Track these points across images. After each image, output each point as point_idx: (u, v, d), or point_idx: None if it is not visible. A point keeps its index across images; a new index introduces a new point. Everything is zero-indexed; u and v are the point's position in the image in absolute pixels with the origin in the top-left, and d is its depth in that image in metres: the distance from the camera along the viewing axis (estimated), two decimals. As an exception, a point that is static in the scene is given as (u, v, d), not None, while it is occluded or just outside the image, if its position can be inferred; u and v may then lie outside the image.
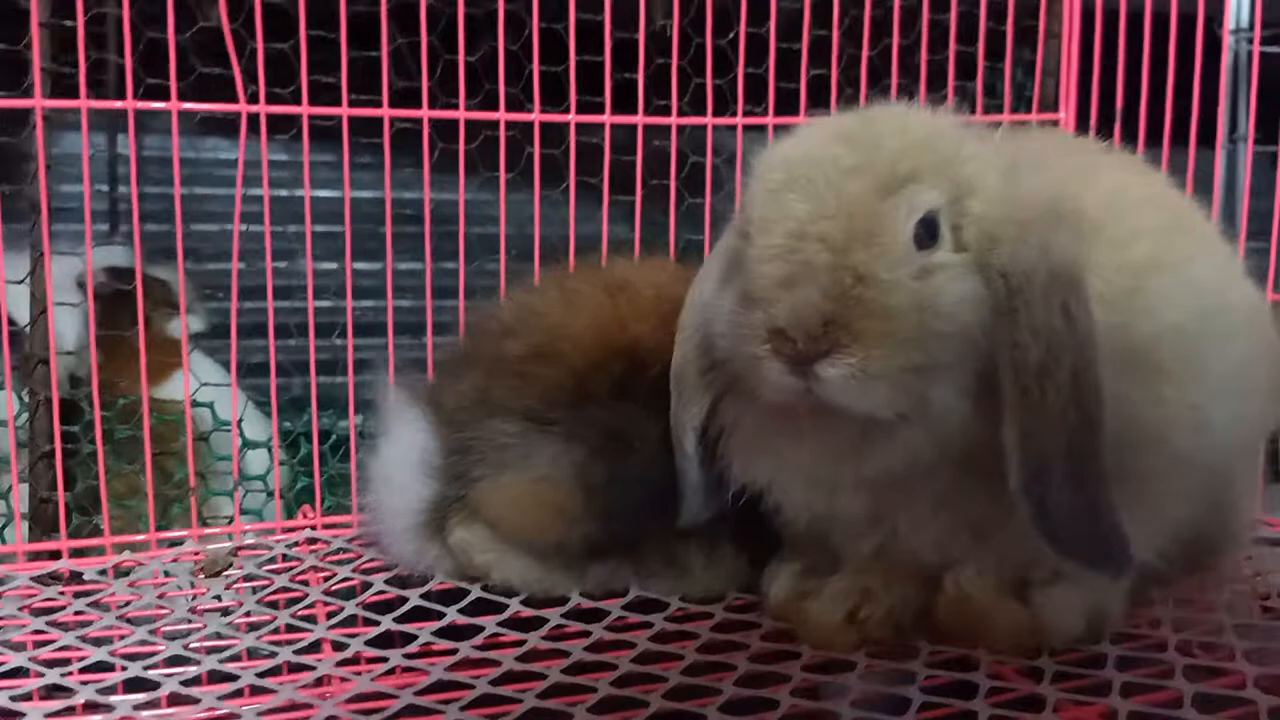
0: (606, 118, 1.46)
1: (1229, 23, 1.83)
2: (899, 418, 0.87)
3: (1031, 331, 0.84)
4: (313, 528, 1.42)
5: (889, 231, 0.86)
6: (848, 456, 0.92)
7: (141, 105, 1.33)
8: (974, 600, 0.96)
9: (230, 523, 1.45)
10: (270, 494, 1.53)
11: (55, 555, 1.32)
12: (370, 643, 1.03)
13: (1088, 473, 0.85)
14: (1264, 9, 1.54)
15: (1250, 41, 2.09)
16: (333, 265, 1.47)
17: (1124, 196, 1.04)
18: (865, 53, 1.56)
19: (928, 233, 0.87)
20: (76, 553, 1.33)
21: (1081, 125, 1.65)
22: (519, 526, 1.11)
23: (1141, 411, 0.94)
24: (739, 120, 1.53)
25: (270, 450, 1.53)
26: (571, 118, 1.46)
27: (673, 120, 1.51)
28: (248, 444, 1.52)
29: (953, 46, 1.62)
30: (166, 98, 1.32)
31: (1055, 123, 1.67)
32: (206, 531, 1.41)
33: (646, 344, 1.13)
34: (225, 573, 1.26)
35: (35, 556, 1.33)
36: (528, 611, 1.10)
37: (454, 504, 1.13)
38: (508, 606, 1.11)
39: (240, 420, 1.49)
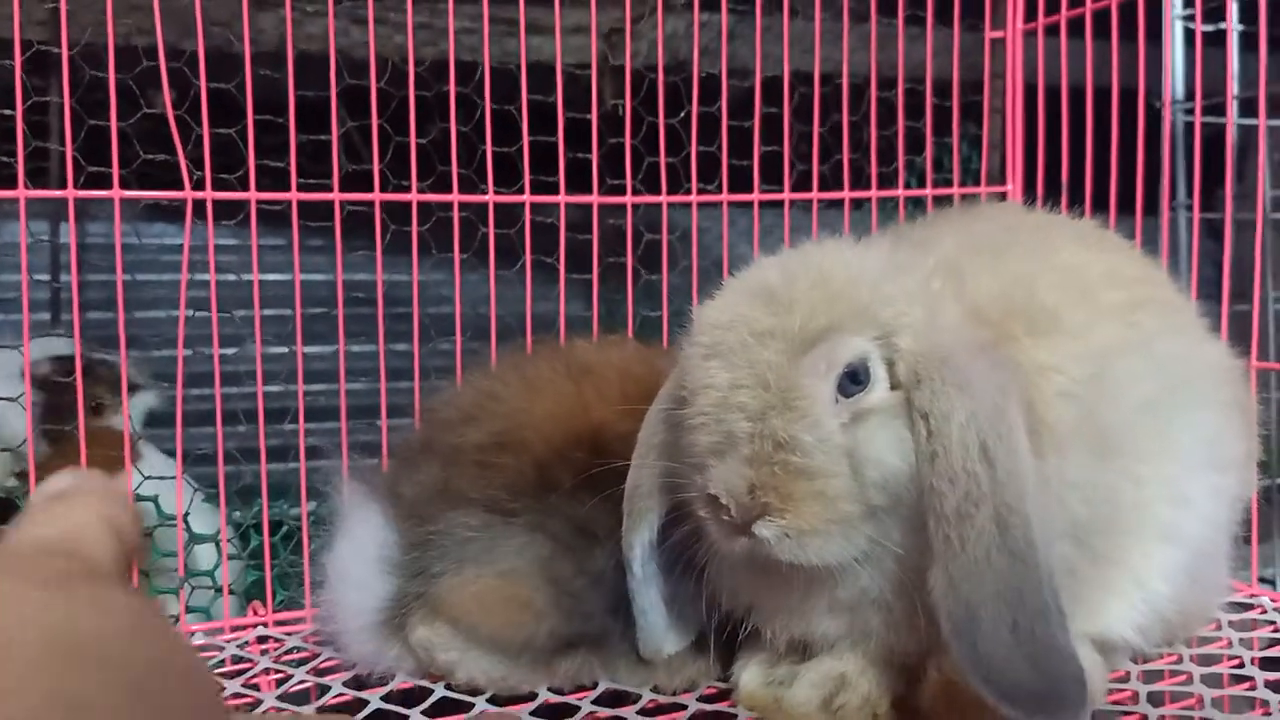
0: (561, 198, 1.46)
1: (1168, 95, 1.88)
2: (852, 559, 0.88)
3: (949, 477, 0.83)
4: (264, 625, 1.37)
5: (805, 393, 0.87)
6: (820, 585, 0.93)
7: (82, 194, 1.29)
8: (959, 685, 0.94)
9: (176, 622, 1.39)
10: (218, 590, 1.48)
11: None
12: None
13: (1024, 614, 0.82)
14: (1202, 81, 1.58)
15: (1186, 112, 2.15)
16: (283, 350, 1.44)
17: (1083, 276, 1.04)
18: (816, 129, 1.58)
19: (853, 380, 0.88)
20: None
21: (1028, 197, 1.67)
22: (483, 623, 1.07)
23: (1119, 494, 0.94)
24: (694, 198, 1.53)
25: (218, 544, 1.48)
26: (526, 198, 1.45)
27: (628, 199, 1.50)
28: (195, 538, 1.47)
29: (901, 122, 1.65)
30: (109, 185, 1.29)
31: (1003, 195, 1.70)
32: (151, 632, 1.35)
33: (610, 431, 1.10)
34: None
35: (-31, 664, 1.26)
36: (494, 710, 1.06)
37: (414, 601, 1.09)
38: (473, 705, 1.06)
39: (186, 514, 1.44)
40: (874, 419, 0.88)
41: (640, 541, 1.04)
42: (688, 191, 1.53)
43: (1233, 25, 1.62)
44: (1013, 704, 0.81)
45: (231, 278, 1.46)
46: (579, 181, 1.48)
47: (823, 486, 0.86)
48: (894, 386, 0.89)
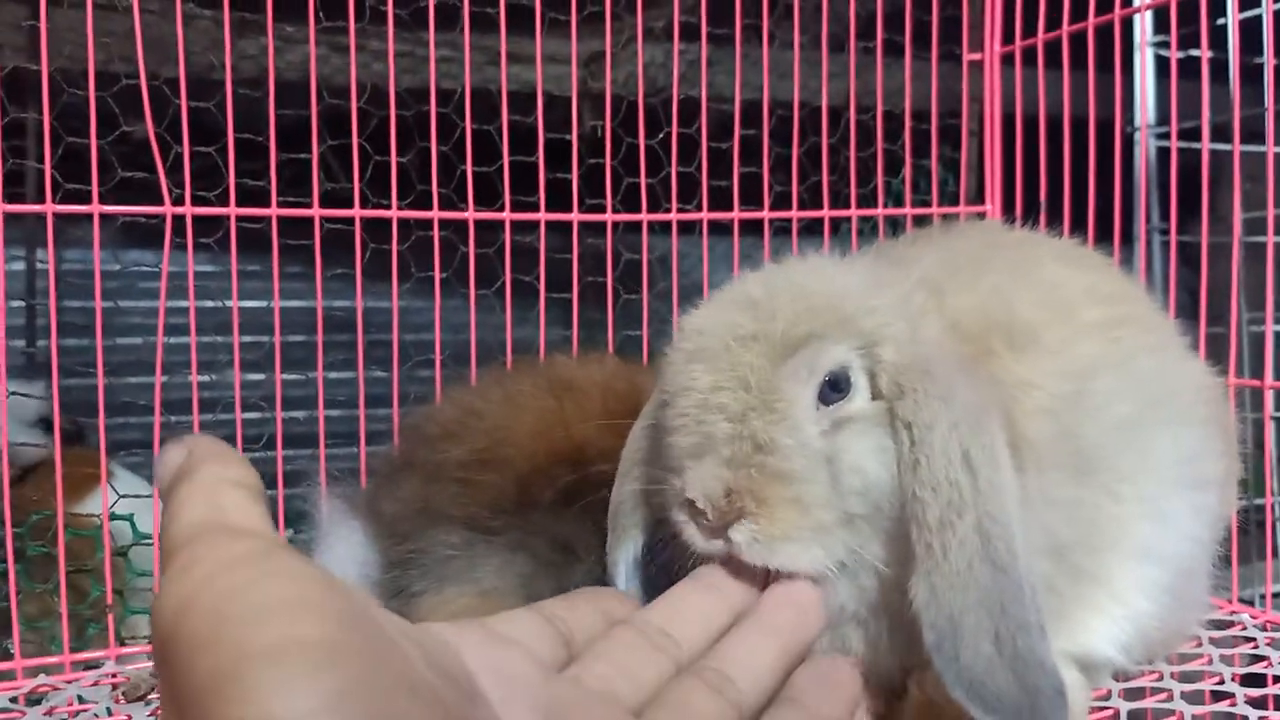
0: (541, 215, 1.46)
1: (1144, 120, 1.90)
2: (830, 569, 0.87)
3: (931, 486, 0.82)
4: (240, 645, 1.34)
5: (786, 396, 0.86)
6: None
7: (61, 209, 1.28)
8: (939, 704, 0.93)
9: (150, 641, 1.36)
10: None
11: (-38, 681, 1.24)
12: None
13: (1005, 626, 0.81)
14: (1174, 107, 1.60)
15: (1159, 137, 2.18)
16: (260, 376, 1.43)
17: (1063, 293, 1.04)
18: (795, 151, 1.59)
19: (833, 388, 0.87)
20: (-14, 677, 1.25)
21: (1007, 218, 1.68)
22: (464, 643, 1.06)
23: (1099, 511, 0.94)
24: (673, 216, 1.54)
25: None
26: (506, 215, 1.45)
27: (608, 217, 1.51)
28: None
29: (880, 145, 1.66)
30: (88, 203, 1.29)
31: (982, 215, 1.71)
32: (125, 651, 1.33)
33: (592, 448, 1.09)
34: (148, 696, 1.19)
35: (-58, 685, 1.24)
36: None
37: (394, 620, 1.08)
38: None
39: (162, 533, 1.41)
40: (854, 427, 0.87)
41: (624, 558, 1.03)
42: (667, 211, 1.54)
43: (1206, 52, 1.64)
44: (995, 715, 0.80)
45: (210, 304, 1.46)
46: (559, 204, 1.49)
47: (799, 492, 0.85)
48: (875, 398, 0.89)
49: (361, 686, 0.43)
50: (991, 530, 0.81)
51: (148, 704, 1.17)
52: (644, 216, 1.53)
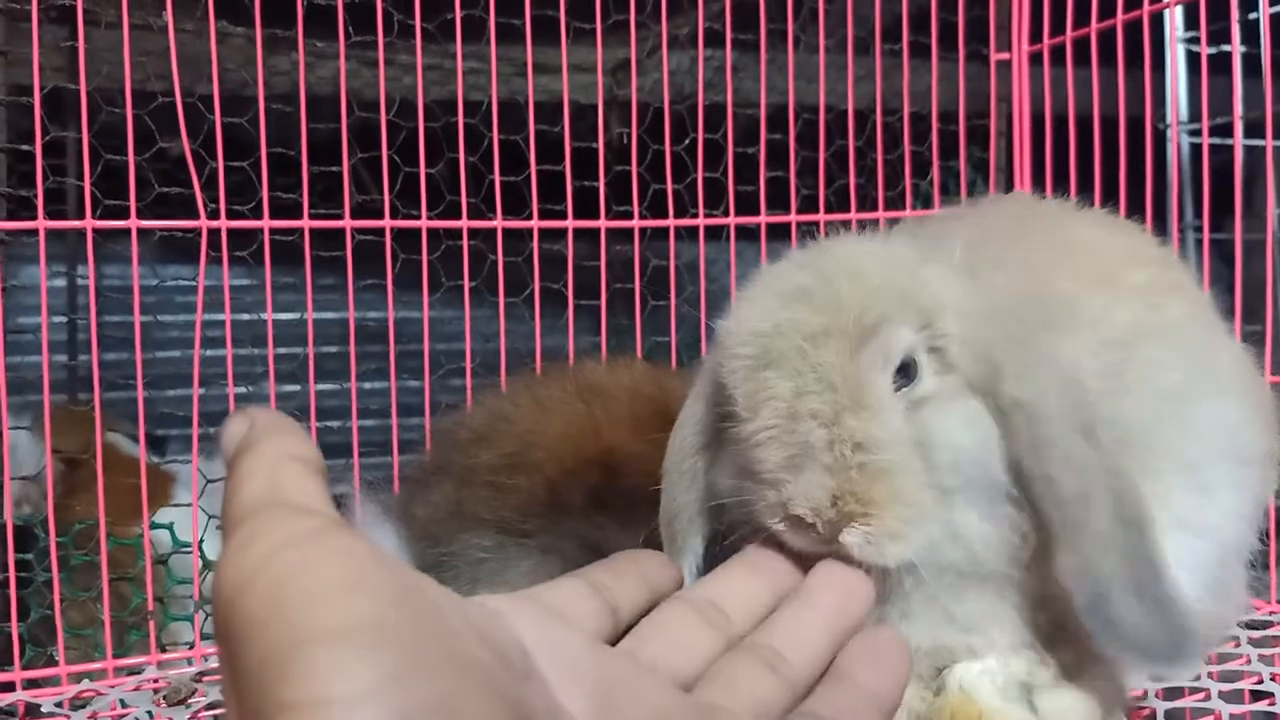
0: (569, 223, 1.47)
1: (1175, 117, 1.88)
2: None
3: (1063, 464, 0.82)
4: (278, 650, 1.36)
5: (871, 389, 0.84)
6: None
7: (100, 224, 1.31)
8: (979, 704, 0.93)
9: (191, 647, 1.39)
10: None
11: (9, 687, 1.26)
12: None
13: (1145, 575, 0.82)
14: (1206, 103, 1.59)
15: (1190, 134, 2.16)
16: (295, 387, 1.45)
17: (1102, 256, 1.03)
18: (822, 154, 1.59)
19: (902, 373, 0.86)
20: (31, 684, 1.27)
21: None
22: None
23: (1141, 485, 0.93)
24: (700, 221, 1.55)
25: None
26: (535, 223, 1.46)
27: (635, 223, 1.52)
28: (209, 565, 1.48)
29: (907, 147, 1.66)
30: (125, 219, 1.31)
31: (1011, 215, 1.70)
32: (166, 657, 1.36)
33: (621, 451, 1.10)
34: (188, 700, 1.21)
35: (-11, 690, 1.27)
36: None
37: (427, 620, 1.09)
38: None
39: (201, 541, 1.44)
40: (931, 404, 0.86)
41: (688, 568, 0.99)
42: (694, 217, 1.55)
43: (1237, 47, 1.63)
44: (1148, 658, 0.83)
45: (246, 317, 1.48)
46: (586, 212, 1.50)
47: (901, 484, 0.83)
48: (944, 372, 0.87)
49: (414, 667, 0.44)
50: (1121, 489, 0.82)
51: (188, 708, 1.19)
52: (671, 222, 1.54)
